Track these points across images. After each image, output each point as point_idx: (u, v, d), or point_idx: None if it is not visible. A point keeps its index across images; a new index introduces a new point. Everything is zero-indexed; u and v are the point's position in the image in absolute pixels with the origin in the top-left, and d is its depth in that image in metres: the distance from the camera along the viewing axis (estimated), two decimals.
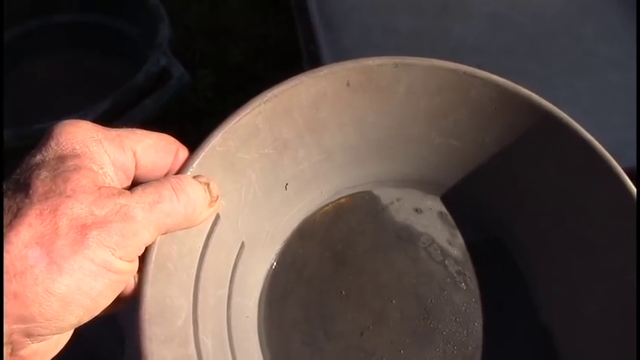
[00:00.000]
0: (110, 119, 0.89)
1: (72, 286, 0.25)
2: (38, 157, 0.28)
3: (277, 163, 0.37)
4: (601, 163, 0.35)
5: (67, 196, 0.26)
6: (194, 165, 0.32)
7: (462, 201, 0.40)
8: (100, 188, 0.27)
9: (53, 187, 0.26)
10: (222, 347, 0.34)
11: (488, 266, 0.39)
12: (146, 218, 0.27)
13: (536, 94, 0.37)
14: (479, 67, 0.37)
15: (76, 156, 0.28)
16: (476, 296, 0.38)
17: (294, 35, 0.95)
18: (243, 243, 0.36)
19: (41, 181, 0.26)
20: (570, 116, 0.36)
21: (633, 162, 0.62)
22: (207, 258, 0.33)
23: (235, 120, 0.34)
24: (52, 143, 0.28)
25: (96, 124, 0.29)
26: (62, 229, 0.25)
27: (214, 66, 1.26)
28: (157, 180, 0.30)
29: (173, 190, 0.29)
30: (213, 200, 0.31)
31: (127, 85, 0.93)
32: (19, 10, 1.10)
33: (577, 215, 0.36)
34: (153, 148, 0.31)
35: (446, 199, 0.40)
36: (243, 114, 0.34)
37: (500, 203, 0.39)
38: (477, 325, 0.37)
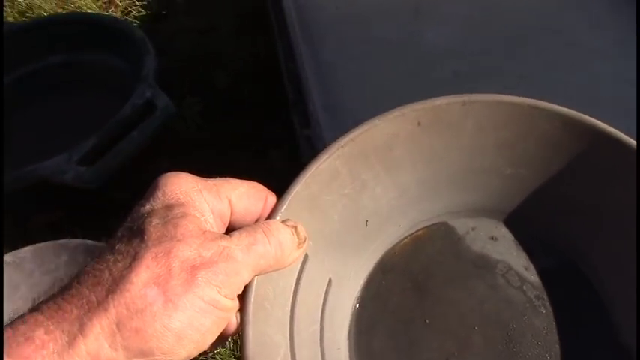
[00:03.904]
0: (100, 153, 0.93)
1: (185, 322, 0.28)
2: (148, 207, 0.31)
3: (357, 202, 0.39)
4: None
5: (177, 240, 0.29)
6: (282, 210, 0.35)
7: (535, 227, 0.41)
8: (204, 232, 0.30)
9: (165, 233, 0.29)
10: None
11: (565, 290, 0.40)
12: (244, 259, 0.30)
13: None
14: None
15: (181, 205, 0.31)
16: (556, 320, 0.39)
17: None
18: (330, 280, 0.38)
19: (154, 227, 0.29)
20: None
21: None
22: (299, 296, 0.36)
23: (316, 165, 0.36)
24: (159, 194, 0.31)
25: (195, 176, 0.33)
26: (175, 270, 0.28)
27: (203, 93, 1.28)
28: (250, 226, 0.33)
29: (264, 234, 0.32)
30: (301, 242, 0.34)
31: (113, 119, 0.96)
32: (12, 58, 1.15)
33: None
34: (245, 196, 0.34)
35: (519, 226, 0.41)
36: (324, 159, 0.37)
37: (572, 228, 0.40)
38: (560, 347, 0.38)
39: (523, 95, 0.39)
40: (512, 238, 0.41)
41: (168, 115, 1.01)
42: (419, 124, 0.39)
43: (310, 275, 0.37)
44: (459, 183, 0.41)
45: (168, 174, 0.32)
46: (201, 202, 0.32)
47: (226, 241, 0.30)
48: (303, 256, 0.36)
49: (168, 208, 0.31)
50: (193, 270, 0.28)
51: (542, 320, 0.39)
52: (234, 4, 1.46)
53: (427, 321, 0.39)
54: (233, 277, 0.30)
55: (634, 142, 0.37)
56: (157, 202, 0.31)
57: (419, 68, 0.85)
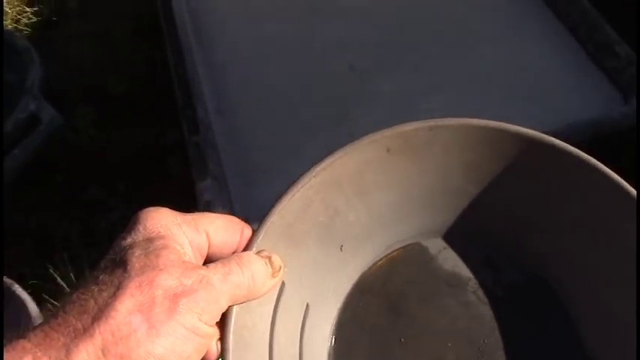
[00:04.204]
0: None
1: (168, 348, 0.29)
2: (129, 240, 0.32)
3: (331, 228, 0.41)
4: (629, 201, 0.38)
5: (160, 270, 0.30)
6: (258, 241, 0.36)
7: (503, 245, 0.43)
8: (184, 262, 0.32)
9: (147, 263, 0.31)
10: None
11: (533, 303, 0.41)
12: (222, 287, 0.32)
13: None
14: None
15: (162, 237, 0.32)
16: (525, 333, 0.41)
17: None
18: (307, 304, 0.40)
19: (136, 258, 0.31)
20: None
21: None
22: (277, 323, 0.37)
23: (290, 196, 0.38)
24: (140, 227, 0.33)
25: (174, 211, 0.34)
26: (158, 298, 0.30)
27: (97, 101, 1.24)
28: (226, 258, 0.34)
29: (238, 265, 0.33)
30: (276, 271, 0.35)
31: None
32: None
33: (610, 252, 0.39)
34: (222, 229, 0.35)
35: (488, 245, 0.43)
36: (297, 190, 0.38)
37: (540, 245, 0.42)
38: None
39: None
40: (481, 255, 0.43)
41: (55, 129, 0.97)
42: (388, 150, 0.40)
43: (287, 302, 0.38)
44: (429, 204, 0.42)
45: (149, 209, 0.34)
46: (180, 234, 0.33)
47: (205, 270, 0.32)
48: (279, 284, 0.37)
49: (149, 240, 0.32)
50: (175, 298, 0.30)
51: (512, 335, 0.40)
52: (131, 5, 1.41)
53: (402, 340, 0.41)
54: (212, 305, 0.31)
55: (593, 159, 0.39)
56: (138, 235, 0.33)
57: (314, 64, 0.86)
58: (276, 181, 0.71)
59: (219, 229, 0.35)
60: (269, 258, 0.35)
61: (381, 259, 0.43)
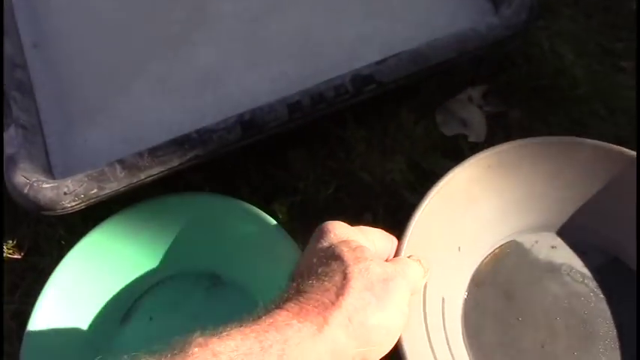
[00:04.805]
0: None
1: (390, 320, 0.38)
2: (326, 243, 0.41)
3: (451, 233, 0.50)
4: None
5: (370, 260, 0.39)
6: (404, 248, 0.46)
7: (584, 234, 0.53)
8: (378, 257, 0.41)
9: (357, 256, 0.39)
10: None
11: (615, 278, 0.51)
12: (408, 279, 0.41)
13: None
14: None
15: (352, 240, 0.41)
16: (613, 302, 0.50)
17: None
18: (443, 298, 0.49)
19: (347, 253, 0.39)
20: None
21: (375, 57, 0.55)
22: (427, 314, 0.47)
23: (421, 210, 0.48)
24: (332, 235, 0.42)
25: (346, 224, 0.43)
26: (375, 281, 0.38)
27: None
28: (392, 260, 0.44)
29: (408, 265, 0.43)
30: (426, 271, 0.45)
31: None
32: None
33: None
34: (379, 238, 0.45)
35: (572, 235, 0.53)
36: (424, 205, 0.48)
37: (613, 232, 0.52)
38: (625, 323, 0.49)
39: None
40: (568, 244, 0.53)
41: None
42: (489, 166, 0.51)
43: (430, 297, 0.48)
44: (521, 207, 0.52)
45: (330, 222, 0.43)
46: (361, 239, 0.42)
47: (393, 265, 0.41)
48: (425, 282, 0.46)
49: (345, 242, 0.41)
50: (385, 282, 0.39)
51: (604, 304, 0.50)
52: None
53: (519, 319, 0.50)
54: (407, 292, 0.40)
55: None
56: (332, 239, 0.41)
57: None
58: (102, 124, 0.60)
59: (380, 238, 0.45)
60: (419, 261, 0.45)
61: (487, 257, 0.53)
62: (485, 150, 0.50)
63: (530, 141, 0.51)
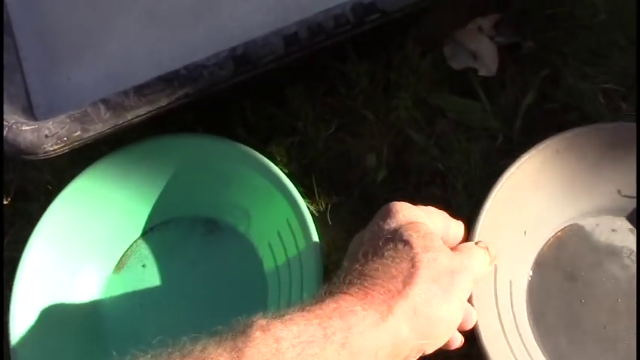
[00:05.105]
0: None
1: (452, 313, 0.37)
2: (394, 225, 0.39)
3: (517, 218, 0.50)
4: None
5: (439, 251, 0.38)
6: (476, 234, 0.47)
7: None
8: (447, 246, 0.39)
9: (426, 244, 0.37)
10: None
11: None
12: (472, 271, 0.39)
13: None
14: None
15: (421, 223, 0.39)
16: None
17: None
18: (510, 281, 0.49)
19: (416, 239, 0.37)
20: None
21: None
22: (498, 296, 0.47)
23: (492, 196, 0.48)
24: (400, 215, 0.40)
25: (412, 205, 0.41)
26: (442, 273, 0.37)
27: None
28: (459, 247, 0.42)
29: (473, 254, 0.41)
30: (493, 259, 0.43)
31: None
32: None
33: None
34: (440, 220, 0.42)
35: (632, 219, 0.51)
36: (496, 190, 0.48)
37: None
38: None
39: None
40: (627, 227, 0.51)
41: None
42: (557, 151, 0.50)
43: (500, 281, 0.48)
44: (585, 191, 0.51)
45: (397, 202, 0.41)
46: (431, 223, 0.40)
47: (459, 255, 0.40)
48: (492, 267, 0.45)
49: (411, 225, 0.39)
50: (452, 274, 0.37)
51: None
52: None
53: (582, 301, 0.49)
54: (470, 283, 0.39)
55: None
56: (400, 220, 0.39)
57: None
58: (84, 61, 0.56)
59: (440, 219, 0.42)
60: (487, 248, 0.43)
61: (550, 239, 0.52)
62: (554, 136, 0.50)
63: (601, 126, 0.50)
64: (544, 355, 0.48)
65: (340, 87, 0.58)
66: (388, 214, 0.40)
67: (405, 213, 0.40)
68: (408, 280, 0.35)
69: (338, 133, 0.56)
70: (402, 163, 0.55)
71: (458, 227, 0.43)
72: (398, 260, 0.36)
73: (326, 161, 0.56)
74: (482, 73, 0.57)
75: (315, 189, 0.54)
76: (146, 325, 0.52)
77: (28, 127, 0.47)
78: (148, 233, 0.54)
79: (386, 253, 0.37)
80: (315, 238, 0.47)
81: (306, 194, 0.53)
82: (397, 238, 0.38)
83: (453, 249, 0.41)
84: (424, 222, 0.39)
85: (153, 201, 0.54)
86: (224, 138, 0.51)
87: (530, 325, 0.49)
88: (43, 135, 0.47)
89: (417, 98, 0.57)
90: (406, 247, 0.37)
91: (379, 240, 0.38)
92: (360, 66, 0.57)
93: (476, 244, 0.43)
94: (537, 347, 0.48)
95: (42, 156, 0.47)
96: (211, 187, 0.53)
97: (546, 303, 0.50)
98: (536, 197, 0.51)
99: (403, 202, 0.41)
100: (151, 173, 0.53)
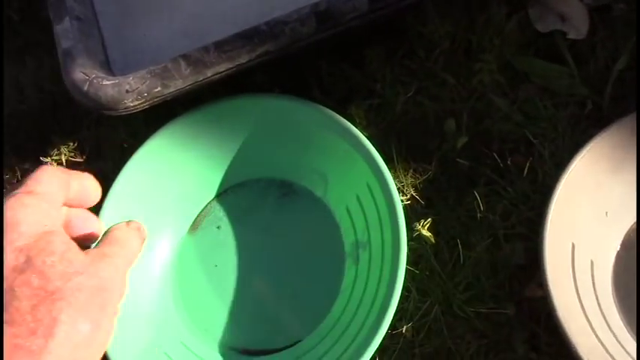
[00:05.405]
0: None
1: (102, 341, 0.31)
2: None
3: (596, 197, 0.48)
4: None
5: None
6: (551, 209, 0.45)
7: None
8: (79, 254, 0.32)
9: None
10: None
11: None
12: (127, 262, 0.34)
13: None
14: None
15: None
16: None
17: None
18: (592, 261, 0.48)
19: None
20: None
21: None
22: (577, 279, 0.46)
23: (567, 174, 0.46)
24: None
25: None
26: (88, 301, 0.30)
27: None
28: (111, 233, 0.36)
29: (120, 235, 0.36)
30: (145, 236, 0.37)
31: None
32: None
33: None
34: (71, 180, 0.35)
35: None
36: (569, 170, 0.46)
37: None
38: None
39: None
40: None
41: None
42: (633, 129, 0.47)
43: (579, 262, 0.47)
44: None
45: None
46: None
47: (107, 256, 0.33)
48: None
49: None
50: (101, 293, 0.31)
51: None
52: None
53: None
54: (123, 287, 0.33)
55: None
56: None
57: None
58: (160, 17, 0.55)
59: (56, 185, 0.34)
60: (139, 228, 0.37)
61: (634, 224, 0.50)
62: (631, 114, 0.47)
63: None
64: (630, 335, 0.46)
65: (419, 49, 0.55)
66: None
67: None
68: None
69: (417, 97, 0.54)
70: (483, 129, 0.53)
71: (80, 181, 0.36)
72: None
73: (403, 125, 0.54)
74: (571, 35, 0.54)
75: (395, 155, 0.52)
76: (220, 285, 0.51)
77: (108, 82, 0.46)
78: (222, 195, 0.54)
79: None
80: (399, 203, 0.45)
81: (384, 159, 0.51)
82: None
83: (106, 239, 0.35)
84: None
85: (227, 162, 0.53)
86: (304, 99, 0.50)
87: (616, 306, 0.48)
88: (123, 90, 0.46)
89: (501, 62, 0.54)
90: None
91: None
92: (441, 27, 0.55)
93: (127, 224, 0.36)
94: (623, 327, 0.47)
95: (122, 111, 0.46)
96: (288, 149, 0.51)
97: (633, 284, 0.48)
98: (616, 177, 0.48)
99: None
100: (226, 134, 0.52)
